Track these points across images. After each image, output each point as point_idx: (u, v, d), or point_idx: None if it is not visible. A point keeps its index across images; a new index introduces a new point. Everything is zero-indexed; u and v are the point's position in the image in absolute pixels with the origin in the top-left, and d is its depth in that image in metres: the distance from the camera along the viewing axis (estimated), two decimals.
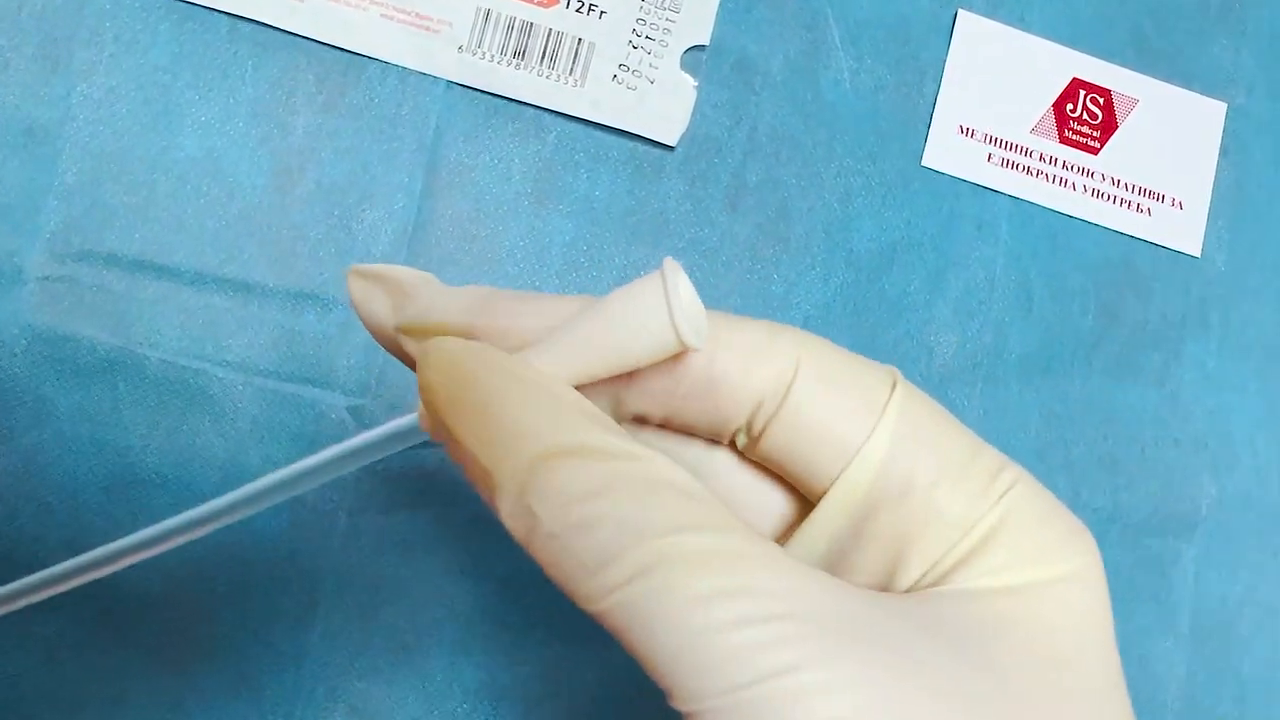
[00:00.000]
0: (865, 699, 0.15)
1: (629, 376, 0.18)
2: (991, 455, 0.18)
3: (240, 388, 0.32)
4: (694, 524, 0.16)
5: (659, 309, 0.17)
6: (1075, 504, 0.36)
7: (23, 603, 0.24)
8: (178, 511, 0.31)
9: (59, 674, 0.31)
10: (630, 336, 0.17)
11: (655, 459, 0.16)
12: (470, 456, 0.16)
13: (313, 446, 0.32)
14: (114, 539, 0.31)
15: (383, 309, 0.19)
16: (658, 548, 0.15)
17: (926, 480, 0.18)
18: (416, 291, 0.19)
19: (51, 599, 0.30)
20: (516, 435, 0.16)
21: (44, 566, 0.24)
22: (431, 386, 0.17)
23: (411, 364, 0.19)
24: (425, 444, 0.19)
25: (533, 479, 0.16)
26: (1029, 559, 0.17)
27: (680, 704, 0.15)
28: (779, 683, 0.15)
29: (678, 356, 0.18)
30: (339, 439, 0.32)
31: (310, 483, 0.19)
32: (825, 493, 0.18)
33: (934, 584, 0.18)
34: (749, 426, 0.18)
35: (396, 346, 0.19)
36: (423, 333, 0.18)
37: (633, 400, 0.18)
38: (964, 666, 0.16)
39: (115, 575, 0.31)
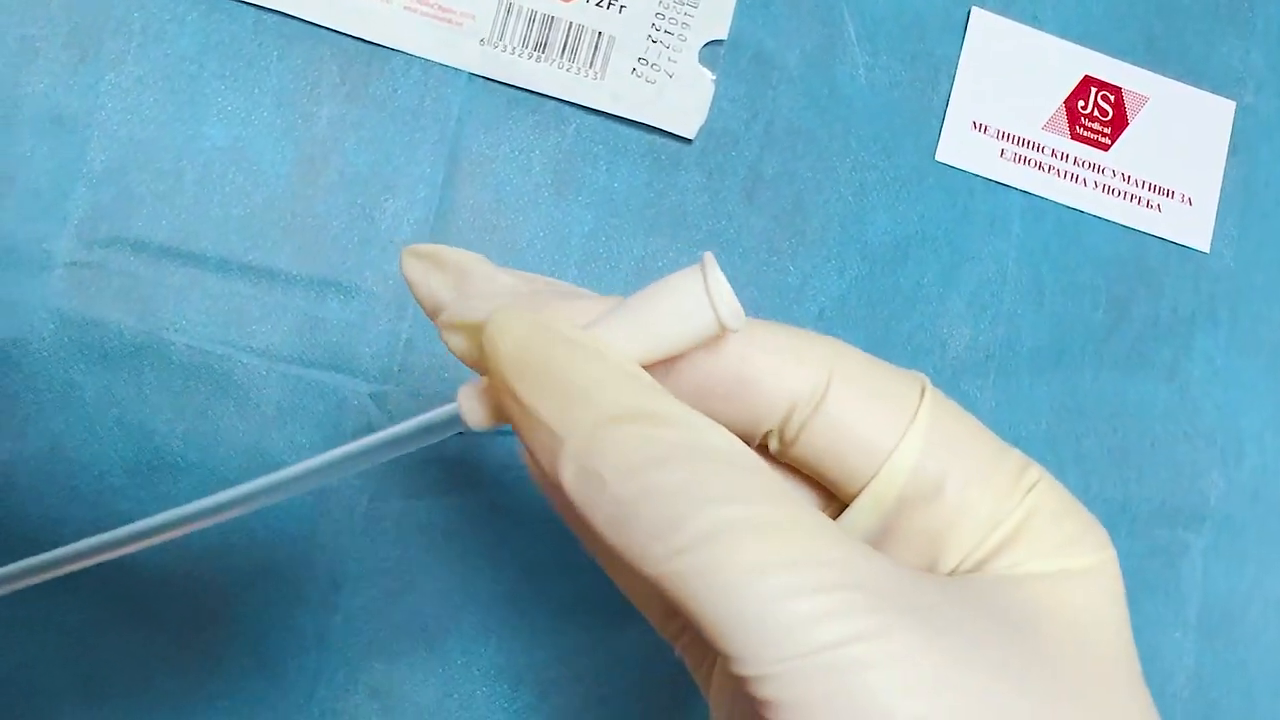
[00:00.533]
0: (922, 672, 0.15)
1: (669, 369, 0.18)
2: (1015, 456, 0.19)
3: (264, 373, 0.32)
4: (758, 494, 0.16)
5: (698, 291, 0.17)
6: (1085, 495, 0.36)
7: (40, 579, 0.24)
8: (201, 495, 0.32)
9: (82, 656, 0.31)
10: (670, 318, 0.17)
11: (719, 429, 0.17)
12: (534, 420, 0.17)
13: (335, 432, 0.32)
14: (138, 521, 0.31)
15: (441, 289, 0.19)
16: (723, 514, 0.16)
17: (957, 481, 0.18)
18: (471, 274, 0.19)
19: (75, 581, 0.31)
20: (584, 399, 0.16)
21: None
22: (498, 350, 0.17)
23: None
24: (459, 434, 0.19)
25: (600, 441, 0.16)
26: (1050, 553, 0.18)
27: (740, 668, 0.16)
28: (839, 653, 0.15)
29: (716, 345, 0.18)
30: (361, 424, 0.33)
31: (343, 471, 0.20)
32: (857, 493, 0.19)
33: (966, 575, 0.18)
34: (782, 430, 0.19)
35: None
36: (468, 330, 0.19)
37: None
38: (1010, 644, 0.17)
39: (137, 558, 0.32)
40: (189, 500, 0.32)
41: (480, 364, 0.18)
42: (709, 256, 0.18)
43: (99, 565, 0.25)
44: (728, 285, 0.17)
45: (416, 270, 0.19)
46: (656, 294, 0.18)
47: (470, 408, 0.18)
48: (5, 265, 0.31)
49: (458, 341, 0.19)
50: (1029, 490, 0.19)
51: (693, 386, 0.19)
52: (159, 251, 0.32)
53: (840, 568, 0.16)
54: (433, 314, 0.19)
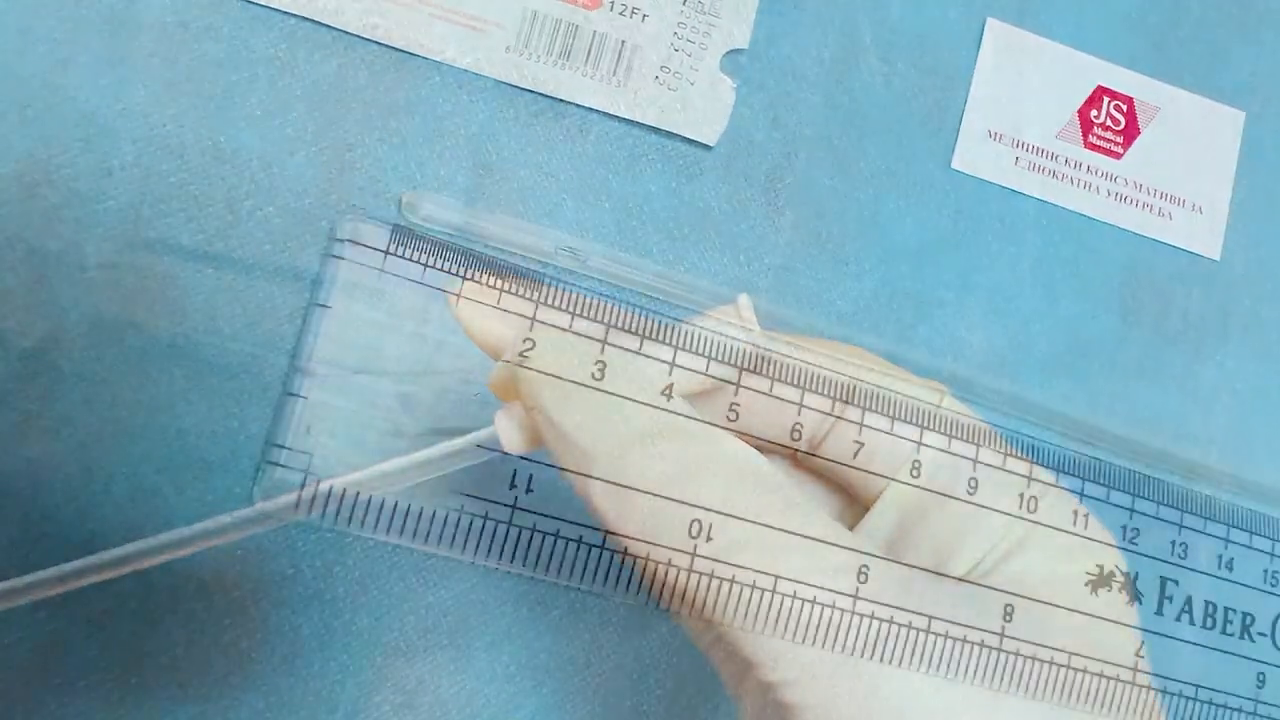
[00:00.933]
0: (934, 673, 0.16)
1: (708, 393, 0.19)
2: (1026, 463, 0.20)
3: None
4: (779, 506, 0.17)
5: (725, 313, 0.19)
6: (1094, 500, 0.37)
7: (67, 587, 0.24)
8: (231, 493, 0.32)
9: (108, 645, 0.32)
10: (703, 340, 0.19)
11: (742, 445, 0.18)
12: (567, 438, 0.17)
13: (363, 432, 0.33)
14: (169, 520, 0.32)
15: (495, 323, 0.19)
16: (746, 527, 0.17)
17: (971, 487, 0.19)
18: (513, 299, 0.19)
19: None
20: (614, 417, 0.17)
21: (102, 547, 0.25)
22: (528, 371, 0.18)
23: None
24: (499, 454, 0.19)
25: (628, 458, 0.17)
26: (1058, 558, 0.19)
27: (765, 674, 0.16)
28: (856, 656, 0.16)
29: (748, 367, 0.19)
30: (388, 426, 0.33)
31: (371, 492, 0.20)
32: (877, 497, 0.20)
33: (978, 578, 0.19)
34: (809, 437, 0.20)
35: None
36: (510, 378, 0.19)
37: (709, 416, 0.20)
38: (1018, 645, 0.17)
39: None
40: (218, 498, 0.32)
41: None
42: (741, 298, 0.19)
43: None
44: (754, 318, 0.19)
45: (458, 302, 0.20)
46: (688, 322, 0.19)
47: (507, 431, 0.19)
48: (38, 267, 0.31)
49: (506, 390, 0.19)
50: (1040, 496, 0.19)
51: (729, 407, 0.19)
52: (190, 254, 0.32)
53: (856, 575, 0.17)
54: (490, 348, 0.20)
